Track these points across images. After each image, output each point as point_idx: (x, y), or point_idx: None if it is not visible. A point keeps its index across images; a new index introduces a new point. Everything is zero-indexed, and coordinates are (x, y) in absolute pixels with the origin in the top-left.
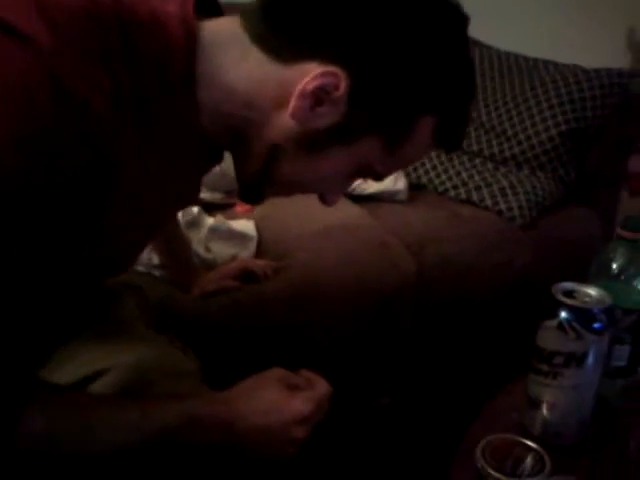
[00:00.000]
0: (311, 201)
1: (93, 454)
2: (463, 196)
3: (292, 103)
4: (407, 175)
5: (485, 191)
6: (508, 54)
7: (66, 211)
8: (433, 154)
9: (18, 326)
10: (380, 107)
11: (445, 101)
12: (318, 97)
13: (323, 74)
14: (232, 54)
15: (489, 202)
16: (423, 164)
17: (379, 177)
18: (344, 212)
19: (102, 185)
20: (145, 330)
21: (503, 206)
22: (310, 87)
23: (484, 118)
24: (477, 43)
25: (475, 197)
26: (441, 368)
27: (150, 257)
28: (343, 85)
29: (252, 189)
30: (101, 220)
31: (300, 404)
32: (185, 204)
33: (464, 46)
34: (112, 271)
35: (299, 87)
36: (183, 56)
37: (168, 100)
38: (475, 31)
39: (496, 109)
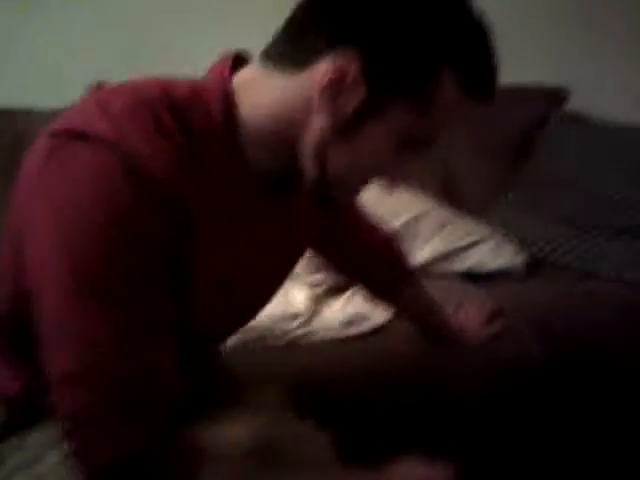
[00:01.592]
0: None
1: None
2: (583, 269)
3: (316, 101)
4: (524, 250)
5: (606, 263)
6: (612, 126)
7: (163, 265)
8: (549, 227)
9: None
10: (395, 72)
11: (456, 49)
12: (336, 87)
13: (333, 64)
14: (256, 90)
15: (612, 274)
16: (541, 237)
17: (427, 144)
18: (458, 292)
19: (187, 239)
20: (286, 416)
21: (629, 277)
22: (325, 81)
23: (597, 189)
24: (580, 116)
25: (596, 269)
26: (570, 449)
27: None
28: (354, 67)
29: (322, 197)
30: (194, 274)
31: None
32: (284, 256)
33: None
34: (221, 328)
35: (315, 85)
36: (223, 119)
37: (219, 159)
38: (579, 102)
39: (610, 180)
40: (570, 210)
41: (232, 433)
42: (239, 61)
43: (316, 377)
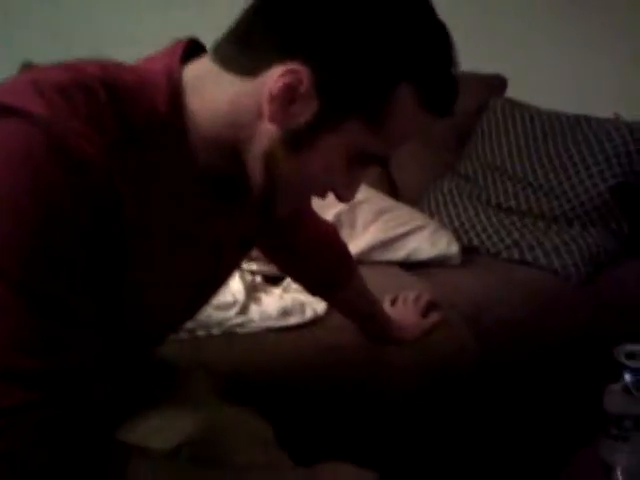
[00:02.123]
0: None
1: None
2: (517, 256)
3: (265, 109)
4: (459, 238)
5: (538, 250)
6: (549, 113)
7: (91, 255)
8: (483, 216)
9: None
10: (349, 87)
11: (414, 64)
12: (288, 96)
13: (284, 73)
14: (208, 87)
15: (543, 262)
16: (474, 226)
17: (381, 161)
18: (395, 280)
19: (117, 230)
20: (217, 401)
21: (558, 265)
22: (276, 89)
23: (531, 177)
24: (517, 104)
25: (529, 257)
26: (506, 432)
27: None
28: (306, 78)
29: (265, 207)
30: (127, 267)
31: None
32: (226, 264)
33: (426, 8)
34: (159, 329)
35: (266, 92)
36: (169, 110)
37: (163, 151)
38: (515, 92)
39: (542, 167)
40: (505, 198)
41: (174, 426)
42: (193, 48)
43: (253, 367)
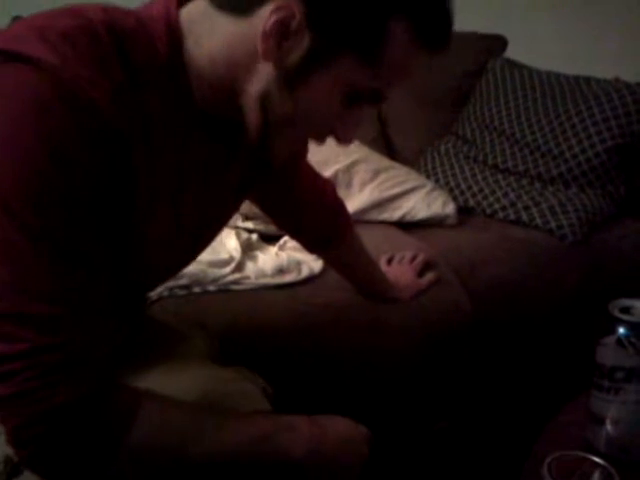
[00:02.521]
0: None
1: (191, 463)
2: (512, 217)
3: (260, 47)
4: (455, 199)
5: (534, 210)
6: (549, 73)
7: (101, 198)
8: (480, 176)
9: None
10: (342, 21)
11: None
12: (280, 32)
13: (276, 9)
14: (203, 28)
15: (539, 221)
16: (470, 187)
17: (376, 99)
18: (391, 240)
19: (125, 172)
20: (212, 366)
21: (553, 225)
22: (268, 26)
23: (529, 138)
24: (517, 64)
25: (525, 217)
26: (500, 389)
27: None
28: (298, 13)
29: (262, 146)
30: (134, 215)
31: (365, 429)
32: (224, 208)
33: None
34: (157, 272)
35: (260, 30)
36: (168, 52)
37: (163, 94)
38: (514, 53)
39: (540, 129)
40: (502, 159)
41: (170, 386)
42: None
43: (249, 324)
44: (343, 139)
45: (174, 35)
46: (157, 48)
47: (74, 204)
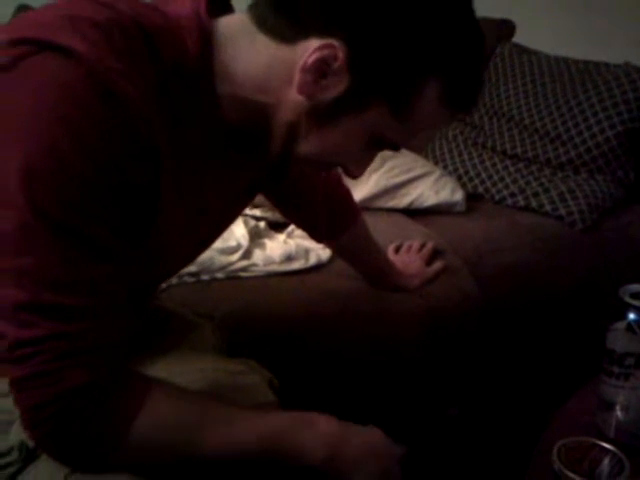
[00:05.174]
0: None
1: (198, 455)
2: (521, 203)
3: (296, 79)
4: (463, 185)
5: (544, 197)
6: (558, 59)
7: (126, 194)
8: (488, 163)
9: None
10: (382, 72)
11: (448, 61)
12: (320, 70)
13: (321, 47)
14: (242, 44)
15: (548, 208)
16: (479, 174)
17: (395, 147)
18: (399, 227)
19: (152, 170)
20: (219, 358)
21: (563, 211)
22: (310, 61)
23: (538, 124)
24: (525, 49)
25: (534, 204)
26: (509, 376)
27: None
28: (341, 55)
29: (277, 169)
30: (157, 211)
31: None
32: (238, 205)
33: (465, 4)
34: (170, 266)
35: (300, 63)
36: (199, 55)
37: (191, 97)
38: (524, 38)
39: (549, 114)
40: (510, 145)
41: (176, 376)
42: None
43: (256, 311)
44: (354, 175)
45: (206, 37)
46: (187, 48)
47: (97, 197)
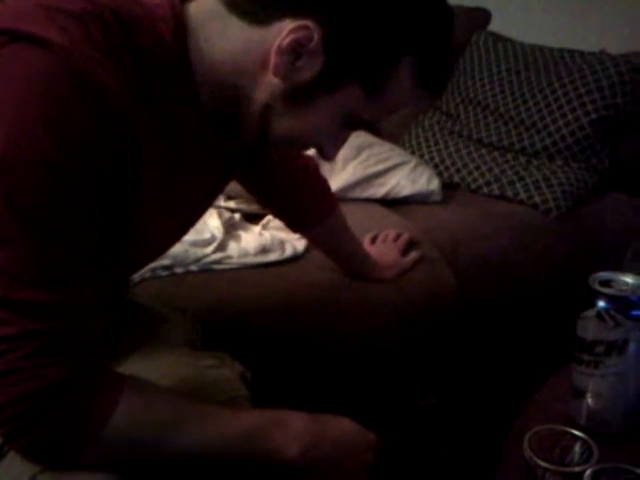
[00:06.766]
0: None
1: (172, 453)
2: (497, 192)
3: (272, 61)
4: (439, 175)
5: (519, 185)
6: (533, 47)
7: (103, 187)
8: (464, 152)
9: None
10: (356, 52)
11: (421, 41)
12: (295, 51)
13: (295, 29)
14: (214, 28)
15: (523, 196)
16: (454, 163)
17: (369, 126)
18: (375, 217)
19: (131, 162)
20: (190, 352)
21: (538, 199)
22: (285, 43)
23: (513, 112)
24: (501, 37)
25: (509, 192)
26: (485, 364)
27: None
28: (316, 36)
29: (253, 153)
30: (136, 198)
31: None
32: (214, 191)
33: None
34: (146, 256)
35: (275, 44)
36: (174, 42)
37: (168, 84)
38: (498, 26)
39: (524, 102)
40: (486, 134)
41: (147, 371)
42: None
43: (231, 303)
44: (329, 156)
45: (180, 26)
46: (163, 36)
47: (74, 189)
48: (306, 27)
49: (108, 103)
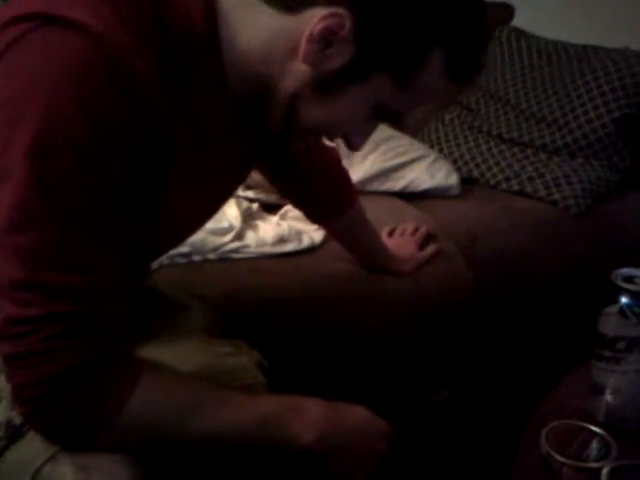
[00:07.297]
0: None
1: (189, 437)
2: (516, 188)
3: (302, 48)
4: (459, 169)
5: (538, 182)
6: (556, 43)
7: (133, 171)
8: (484, 147)
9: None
10: (387, 42)
11: (452, 31)
12: (326, 39)
13: (327, 16)
14: (244, 15)
15: (543, 193)
16: (474, 158)
17: (397, 118)
18: (393, 211)
19: (160, 146)
20: (208, 339)
21: (557, 196)
22: (316, 30)
23: (534, 108)
24: (524, 33)
25: (529, 188)
26: (501, 360)
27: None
28: (348, 24)
29: (279, 141)
30: (166, 182)
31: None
32: (237, 178)
33: None
34: (172, 240)
35: (306, 32)
36: (205, 26)
37: (198, 69)
38: (522, 21)
39: (546, 99)
40: (506, 129)
41: (165, 358)
42: None
43: (248, 292)
44: (355, 146)
45: (211, 12)
46: (193, 19)
47: (105, 176)
48: (338, 14)
49: (138, 88)
